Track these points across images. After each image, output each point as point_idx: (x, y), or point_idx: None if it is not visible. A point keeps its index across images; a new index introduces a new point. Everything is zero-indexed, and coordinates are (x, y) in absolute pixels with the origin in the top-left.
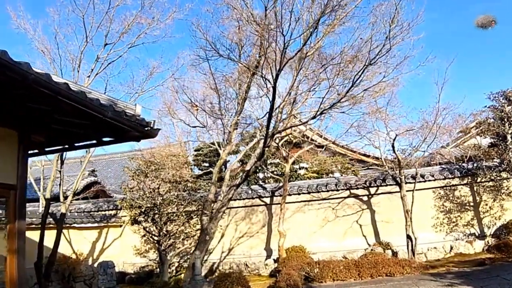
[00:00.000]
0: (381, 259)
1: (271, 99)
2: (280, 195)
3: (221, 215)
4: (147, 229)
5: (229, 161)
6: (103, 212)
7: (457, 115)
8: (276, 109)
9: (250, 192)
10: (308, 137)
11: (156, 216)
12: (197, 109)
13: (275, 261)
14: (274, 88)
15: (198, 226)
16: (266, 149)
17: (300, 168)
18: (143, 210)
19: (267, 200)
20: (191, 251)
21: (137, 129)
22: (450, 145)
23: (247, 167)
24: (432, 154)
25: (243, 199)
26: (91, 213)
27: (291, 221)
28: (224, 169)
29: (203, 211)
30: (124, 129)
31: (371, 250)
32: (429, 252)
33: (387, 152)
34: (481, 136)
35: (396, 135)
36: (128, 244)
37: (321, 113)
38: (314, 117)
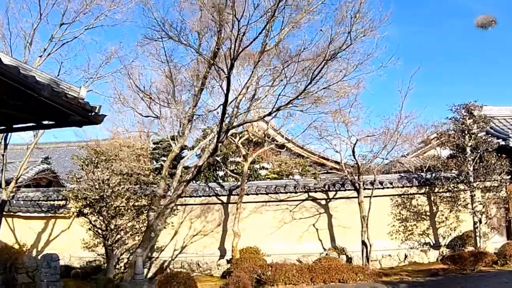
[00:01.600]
0: (335, 264)
1: (225, 91)
2: (238, 194)
3: (169, 212)
4: (93, 223)
5: (184, 155)
6: (51, 202)
7: (418, 125)
8: (231, 102)
9: (207, 189)
10: (269, 136)
11: (103, 209)
12: (150, 98)
13: (228, 261)
14: (228, 78)
15: None
16: (221, 144)
17: (261, 168)
18: (89, 202)
19: (224, 199)
20: None
21: (79, 113)
22: (411, 155)
23: (200, 162)
24: (392, 162)
25: (200, 196)
26: (39, 202)
27: (247, 221)
28: (177, 164)
29: (151, 206)
30: (64, 112)
31: (326, 254)
32: (383, 259)
33: (348, 158)
34: (441, 147)
35: (357, 139)
36: (76, 237)
37: (278, 110)
38: (270, 114)
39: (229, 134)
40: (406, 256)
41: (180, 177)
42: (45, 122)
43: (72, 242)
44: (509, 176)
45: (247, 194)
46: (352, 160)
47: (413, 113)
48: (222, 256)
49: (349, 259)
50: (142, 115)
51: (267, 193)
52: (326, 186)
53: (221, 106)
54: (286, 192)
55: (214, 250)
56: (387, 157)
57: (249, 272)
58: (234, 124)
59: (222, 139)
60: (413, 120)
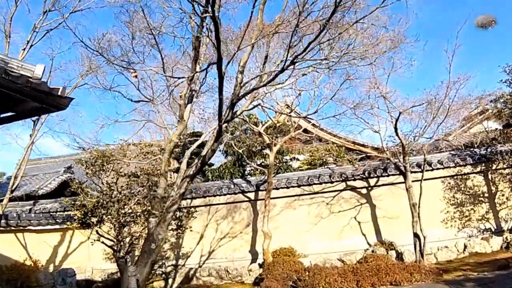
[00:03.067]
0: (384, 263)
1: (215, 41)
2: (265, 189)
3: (172, 216)
4: (100, 232)
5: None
6: (68, 212)
7: (465, 97)
8: (229, 64)
9: (232, 186)
10: (295, 124)
11: (107, 217)
12: (135, 76)
13: (260, 265)
14: (214, 18)
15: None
16: (225, 125)
17: (291, 159)
18: (92, 209)
19: (252, 195)
20: (166, 255)
21: (34, 98)
22: (455, 132)
23: (203, 152)
24: (437, 141)
25: (224, 194)
26: (54, 213)
27: (279, 218)
28: (182, 156)
29: (151, 210)
30: (11, 97)
31: (372, 251)
32: (439, 252)
33: (388, 139)
34: (489, 120)
35: (400, 112)
36: (98, 248)
37: (293, 62)
38: (283, 70)
39: (250, 120)
40: (465, 247)
41: (185, 172)
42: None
43: (93, 253)
44: None
45: (277, 189)
46: (393, 142)
47: (463, 77)
48: (254, 259)
49: (399, 255)
50: (132, 101)
51: (299, 186)
52: (366, 173)
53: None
54: (320, 183)
55: (244, 253)
56: (435, 132)
57: (283, 279)
58: (241, 93)
59: (227, 117)
60: (464, 85)
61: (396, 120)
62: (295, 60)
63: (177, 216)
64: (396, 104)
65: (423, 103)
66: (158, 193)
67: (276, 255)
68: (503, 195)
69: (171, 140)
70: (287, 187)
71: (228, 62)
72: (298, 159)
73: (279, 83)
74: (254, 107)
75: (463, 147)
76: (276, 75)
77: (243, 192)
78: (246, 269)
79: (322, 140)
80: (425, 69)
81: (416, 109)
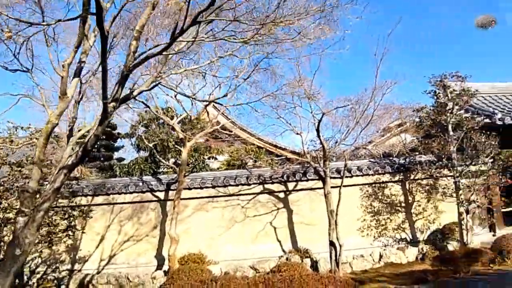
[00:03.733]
0: (298, 274)
1: None
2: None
3: (43, 215)
4: None
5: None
6: None
7: (387, 106)
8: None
9: (140, 184)
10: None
11: None
12: (9, 37)
13: (166, 273)
14: None
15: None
16: (112, 105)
17: (210, 159)
18: None
19: (161, 195)
20: (61, 258)
21: None
22: (377, 140)
23: (86, 139)
24: (358, 149)
25: (131, 192)
26: None
27: (190, 221)
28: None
29: (20, 207)
30: None
31: (286, 259)
32: (355, 261)
33: (309, 143)
34: (406, 133)
35: (323, 113)
36: None
37: (196, 22)
38: (182, 32)
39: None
40: (381, 256)
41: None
42: None
43: None
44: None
45: (189, 189)
46: (314, 146)
47: (389, 83)
48: (159, 266)
49: (314, 263)
50: (8, 69)
51: (213, 187)
52: (285, 176)
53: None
54: (237, 185)
55: (150, 258)
56: (355, 141)
57: None
58: (133, 62)
59: (115, 94)
60: (390, 90)
61: (319, 122)
62: (198, 20)
63: (68, 214)
64: (321, 106)
65: (347, 105)
66: (30, 187)
67: (184, 261)
68: (419, 205)
69: (49, 121)
70: (201, 188)
71: (115, 17)
72: (217, 159)
73: (181, 51)
74: (155, 85)
75: (381, 156)
76: (175, 39)
77: (151, 191)
78: (149, 277)
79: (243, 140)
80: (359, 73)
81: (340, 113)
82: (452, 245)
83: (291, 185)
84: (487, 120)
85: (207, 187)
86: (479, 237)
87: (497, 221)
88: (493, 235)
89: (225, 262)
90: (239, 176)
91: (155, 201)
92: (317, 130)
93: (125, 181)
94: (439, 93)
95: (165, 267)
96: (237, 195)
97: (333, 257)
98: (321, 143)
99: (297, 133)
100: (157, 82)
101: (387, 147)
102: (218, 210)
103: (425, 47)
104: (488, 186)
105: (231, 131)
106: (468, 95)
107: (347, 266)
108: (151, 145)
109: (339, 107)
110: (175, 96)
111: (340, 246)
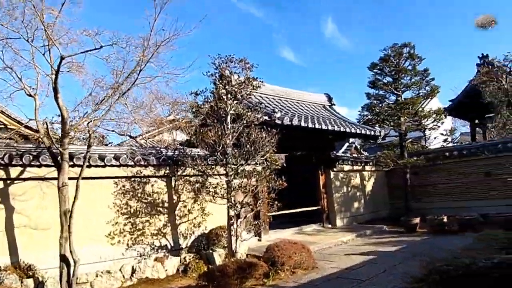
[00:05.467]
0: None
1: None
2: None
3: None
4: None
5: None
6: None
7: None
8: None
9: None
10: None
11: None
12: None
13: None
14: None
15: None
16: None
17: None
18: None
19: None
20: None
21: None
22: (145, 131)
23: None
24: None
25: None
26: None
27: None
28: None
29: None
30: None
31: None
32: (98, 279)
33: (50, 115)
34: (177, 130)
35: (62, 58)
36: None
37: None
38: None
39: None
40: (134, 271)
41: None
42: None
43: None
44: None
45: None
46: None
47: (171, 36)
48: None
49: (39, 285)
50: None
51: None
52: (6, 158)
53: None
54: None
55: None
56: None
57: None
58: None
59: None
60: (167, 42)
61: (57, 72)
62: None
63: None
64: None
65: (102, 45)
66: None
67: None
68: (185, 206)
69: None
70: None
71: None
72: None
73: None
74: None
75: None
76: None
77: None
78: None
79: None
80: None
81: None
82: (219, 253)
83: (14, 171)
84: (267, 118)
85: None
86: (246, 242)
87: (264, 226)
88: (259, 240)
89: None
90: None
91: None
92: (55, 88)
93: None
94: (219, 78)
95: None
96: None
97: (65, 277)
98: (59, 108)
99: (30, 95)
100: None
101: (157, 142)
102: None
103: None
104: (262, 189)
105: None
106: (252, 85)
107: (88, 287)
108: None
109: (89, 50)
110: None
111: (75, 262)
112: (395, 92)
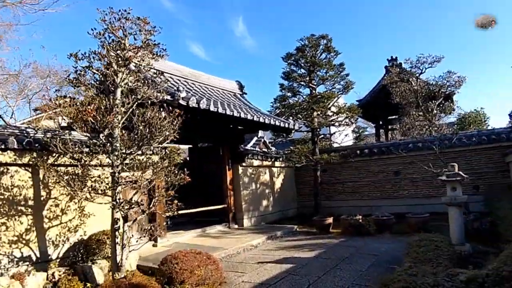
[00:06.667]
0: None
1: None
2: None
3: None
4: None
5: None
6: None
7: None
8: None
9: None
10: None
11: None
12: None
13: None
14: None
15: None
16: None
17: None
18: None
19: None
20: None
21: None
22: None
23: None
24: None
25: None
26: None
27: None
28: None
29: None
30: None
31: None
32: None
33: None
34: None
35: None
36: None
37: None
38: None
39: None
40: None
41: None
42: None
43: None
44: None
45: None
46: None
47: None
48: None
49: None
50: None
51: None
52: None
53: None
54: None
55: None
56: None
57: None
58: None
59: None
60: None
61: None
62: None
63: None
64: None
65: None
66: None
67: None
68: (57, 205)
69: None
70: None
71: None
72: None
73: None
74: None
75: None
76: None
77: None
78: None
79: None
80: None
81: None
82: (100, 266)
83: None
84: (169, 97)
85: None
86: (137, 250)
87: (160, 228)
88: (154, 245)
89: None
90: None
91: None
92: None
93: None
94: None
95: None
96: None
97: None
98: None
99: None
100: None
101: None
102: None
103: None
104: (159, 184)
105: None
106: (152, 53)
107: None
108: None
109: None
110: None
111: None
112: (310, 85)
